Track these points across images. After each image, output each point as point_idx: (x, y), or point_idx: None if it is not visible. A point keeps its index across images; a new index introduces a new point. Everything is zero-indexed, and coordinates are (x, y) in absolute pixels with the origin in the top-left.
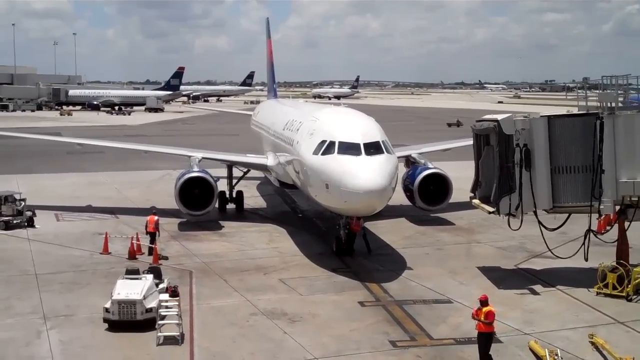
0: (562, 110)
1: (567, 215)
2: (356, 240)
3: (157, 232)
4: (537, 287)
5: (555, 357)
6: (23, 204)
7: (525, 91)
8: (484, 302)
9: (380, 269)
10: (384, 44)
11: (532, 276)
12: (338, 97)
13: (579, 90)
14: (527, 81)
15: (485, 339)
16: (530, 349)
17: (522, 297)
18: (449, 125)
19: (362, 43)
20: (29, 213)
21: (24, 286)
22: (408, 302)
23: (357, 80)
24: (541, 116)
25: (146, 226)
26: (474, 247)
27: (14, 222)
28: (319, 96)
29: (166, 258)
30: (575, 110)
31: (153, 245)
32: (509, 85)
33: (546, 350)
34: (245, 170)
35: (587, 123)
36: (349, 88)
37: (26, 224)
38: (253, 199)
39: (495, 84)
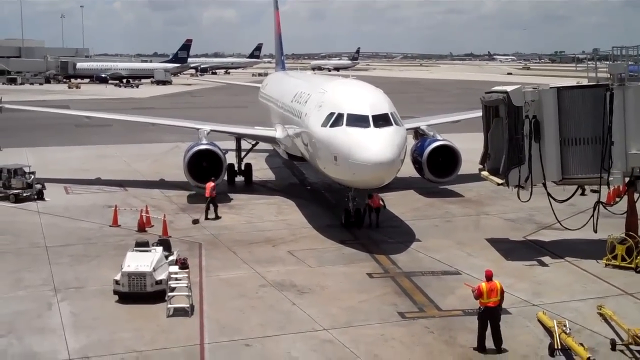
0: (571, 82)
1: (576, 187)
2: (371, 215)
3: (211, 197)
4: (546, 259)
5: (564, 328)
6: (32, 177)
7: (535, 62)
8: (489, 276)
9: (388, 241)
10: (392, 15)
11: (541, 248)
12: (338, 69)
13: (588, 62)
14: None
15: (492, 315)
16: (539, 320)
17: (530, 268)
18: None
19: (370, 14)
20: (38, 186)
21: (34, 258)
22: (416, 273)
23: (357, 52)
24: (551, 87)
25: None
26: (483, 219)
27: (24, 195)
28: (319, 68)
29: (218, 217)
30: (585, 82)
31: (209, 212)
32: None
33: (554, 321)
34: (253, 142)
35: (597, 94)
36: (350, 60)
37: (36, 196)
38: (262, 171)
39: (505, 55)
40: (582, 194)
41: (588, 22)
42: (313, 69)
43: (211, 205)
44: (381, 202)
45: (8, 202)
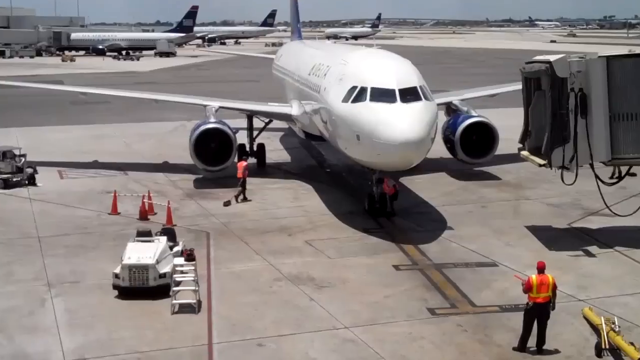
0: (623, 50)
1: (627, 168)
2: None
3: (244, 179)
4: (593, 249)
5: (612, 326)
6: (23, 160)
7: (582, 28)
8: (541, 269)
9: (417, 229)
10: None
11: (588, 236)
12: (356, 38)
13: None
14: (583, 17)
15: (541, 312)
16: (585, 317)
17: (576, 259)
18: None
19: None
20: (29, 170)
21: (25, 250)
22: (448, 265)
23: (378, 18)
24: (599, 57)
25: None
26: (523, 204)
27: (14, 180)
28: (335, 37)
29: (247, 199)
30: (638, 50)
31: (239, 196)
32: (563, 22)
33: (602, 318)
34: (267, 120)
35: None
36: (370, 27)
37: (27, 182)
38: (276, 152)
39: (547, 21)
40: (629, 174)
41: None
42: (328, 37)
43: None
44: (394, 187)
45: None
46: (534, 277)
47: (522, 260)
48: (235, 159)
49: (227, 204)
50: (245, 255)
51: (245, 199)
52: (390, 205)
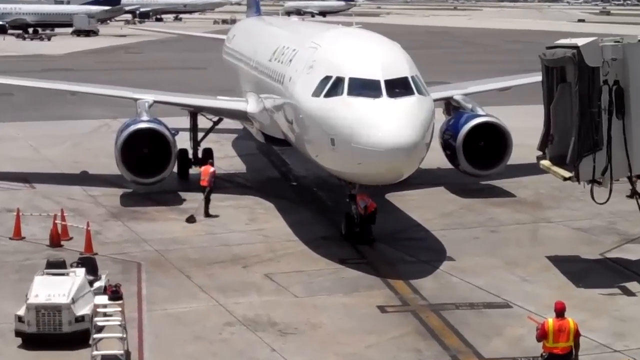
0: None
1: None
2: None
3: (209, 188)
4: (633, 285)
5: None
6: None
7: (617, 4)
8: (560, 311)
9: (408, 260)
10: None
11: (625, 269)
12: (324, 14)
13: None
14: None
15: None
16: None
17: (610, 299)
18: None
19: None
20: None
21: None
22: (448, 306)
23: None
24: None
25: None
26: (543, 229)
27: None
28: (298, 12)
29: (193, 221)
30: None
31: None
32: None
33: None
34: (215, 119)
35: None
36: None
37: None
38: (227, 160)
39: None
40: None
41: None
42: (288, 13)
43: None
44: (371, 207)
45: None
46: (551, 321)
47: (541, 299)
48: (175, 169)
49: (191, 220)
50: (187, 292)
51: (208, 214)
52: (366, 229)
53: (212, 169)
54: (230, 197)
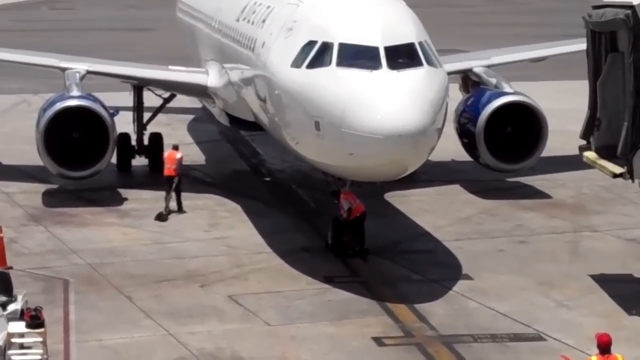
0: None
1: None
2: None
3: (178, 178)
4: None
5: None
6: None
7: None
8: (604, 346)
9: (413, 278)
10: None
11: None
12: None
13: None
14: None
15: None
16: None
17: None
18: None
19: None
20: None
21: None
22: (463, 338)
23: None
24: None
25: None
26: (586, 239)
27: None
28: None
29: (164, 219)
30: None
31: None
32: None
33: None
34: (166, 95)
35: None
36: None
37: None
38: (181, 148)
39: None
40: None
41: None
42: None
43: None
44: (359, 209)
45: None
46: (594, 359)
47: (584, 330)
48: (114, 159)
49: (162, 217)
50: (127, 318)
51: (180, 209)
52: (352, 239)
53: (178, 155)
54: (185, 197)
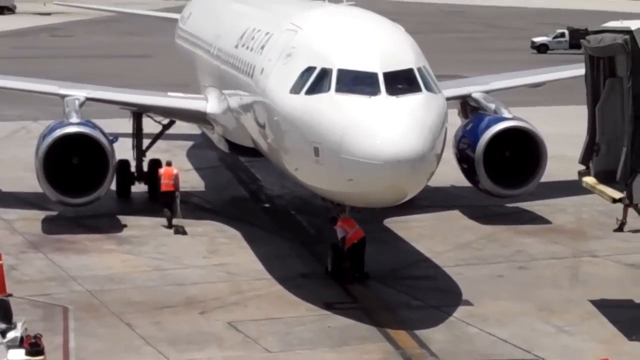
0: None
1: None
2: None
3: (176, 192)
4: None
5: None
6: None
7: None
8: None
9: (413, 304)
10: None
11: None
12: None
13: None
14: None
15: None
16: None
17: None
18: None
19: None
20: None
21: None
22: None
23: None
24: None
25: (158, 184)
26: (586, 265)
27: None
28: None
29: (184, 232)
30: None
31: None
32: None
33: None
34: (165, 122)
35: None
36: None
37: None
38: (181, 175)
39: None
40: None
41: None
42: None
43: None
44: (360, 235)
45: None
46: None
47: (584, 355)
48: (113, 185)
49: (179, 230)
50: (127, 345)
51: (170, 225)
52: (350, 266)
53: (175, 171)
54: (184, 223)
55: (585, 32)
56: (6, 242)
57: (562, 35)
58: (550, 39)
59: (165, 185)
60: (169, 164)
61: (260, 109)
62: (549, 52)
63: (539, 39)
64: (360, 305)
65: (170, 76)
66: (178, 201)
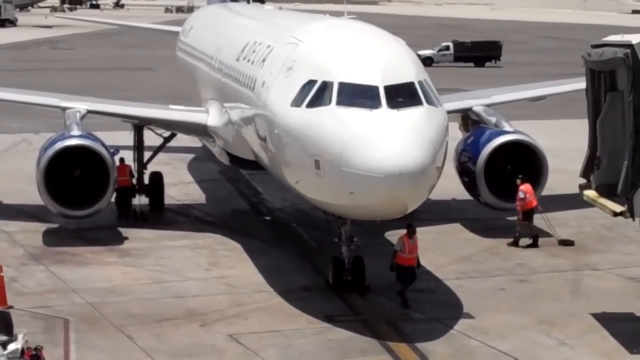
0: None
1: None
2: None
3: (133, 185)
4: None
5: None
6: None
7: None
8: None
9: (414, 317)
10: None
11: None
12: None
13: None
14: None
15: None
16: None
17: None
18: None
19: None
20: None
21: None
22: None
23: None
24: None
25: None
26: (587, 278)
27: None
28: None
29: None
30: None
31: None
32: None
33: None
34: (166, 135)
35: None
36: None
37: None
38: (182, 187)
39: None
40: None
41: None
42: (262, 0)
43: (136, 199)
44: (414, 260)
45: None
46: None
47: None
48: (114, 198)
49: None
50: (128, 357)
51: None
52: (407, 283)
53: (128, 167)
54: (185, 235)
55: (469, 46)
56: (7, 254)
57: (447, 48)
58: (435, 52)
59: (121, 181)
60: (122, 159)
61: (261, 122)
62: (433, 65)
63: (424, 52)
64: (361, 317)
65: (171, 89)
66: (131, 198)
